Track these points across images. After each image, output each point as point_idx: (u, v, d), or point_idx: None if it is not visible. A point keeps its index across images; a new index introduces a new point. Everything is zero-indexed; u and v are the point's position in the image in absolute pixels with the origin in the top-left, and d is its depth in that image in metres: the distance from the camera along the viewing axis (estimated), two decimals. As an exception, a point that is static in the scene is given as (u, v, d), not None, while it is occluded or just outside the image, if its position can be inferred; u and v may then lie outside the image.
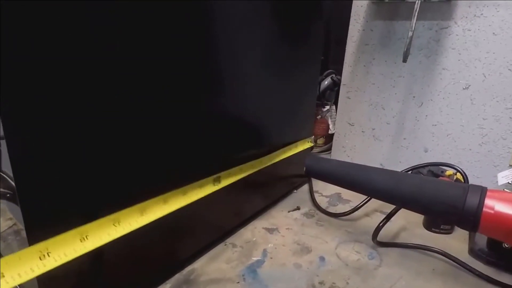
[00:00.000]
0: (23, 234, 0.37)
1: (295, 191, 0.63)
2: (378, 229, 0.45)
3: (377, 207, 0.57)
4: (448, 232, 0.50)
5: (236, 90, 0.39)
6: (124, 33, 0.26)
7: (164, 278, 0.37)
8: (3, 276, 0.21)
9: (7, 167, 0.39)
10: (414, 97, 0.60)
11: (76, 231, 0.24)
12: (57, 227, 0.24)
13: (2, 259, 0.21)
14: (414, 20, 0.47)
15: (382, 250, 0.45)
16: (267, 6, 0.41)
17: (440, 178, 0.49)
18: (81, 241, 0.24)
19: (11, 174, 0.28)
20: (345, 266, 0.42)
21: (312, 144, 0.60)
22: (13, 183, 0.39)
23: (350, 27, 0.65)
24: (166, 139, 0.31)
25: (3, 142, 0.23)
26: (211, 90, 0.36)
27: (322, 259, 0.43)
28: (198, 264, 0.40)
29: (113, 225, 0.26)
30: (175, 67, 0.30)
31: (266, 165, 0.45)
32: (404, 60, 0.48)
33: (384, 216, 0.48)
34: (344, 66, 0.67)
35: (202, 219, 0.41)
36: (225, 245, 0.45)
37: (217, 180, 0.37)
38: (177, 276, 0.38)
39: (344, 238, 0.48)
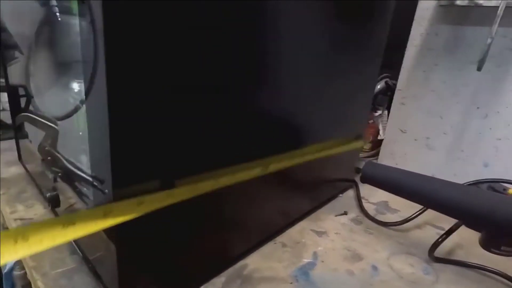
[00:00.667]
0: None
1: (341, 195, 0.62)
2: (436, 243, 0.43)
3: (428, 220, 0.54)
4: (509, 254, 0.47)
5: (291, 84, 0.39)
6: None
7: (220, 271, 0.38)
8: (27, 240, 0.22)
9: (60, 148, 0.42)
10: (478, 108, 0.57)
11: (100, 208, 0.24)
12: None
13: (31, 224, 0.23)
14: (496, 26, 0.44)
15: (438, 266, 0.43)
16: (331, 5, 0.40)
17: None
18: (104, 216, 0.24)
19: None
20: (399, 279, 0.40)
21: (363, 144, 0.58)
22: (66, 163, 0.41)
23: (413, 30, 0.62)
24: (224, 125, 0.32)
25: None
26: (267, 84, 0.36)
27: (374, 268, 0.42)
28: (250, 260, 0.40)
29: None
30: (238, 61, 0.31)
31: (315, 156, 0.44)
32: (479, 69, 0.45)
33: (436, 229, 0.46)
34: (401, 71, 0.64)
35: (252, 215, 0.41)
36: (275, 243, 0.45)
37: (265, 166, 0.36)
38: (231, 270, 0.38)
39: (396, 249, 0.46)
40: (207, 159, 0.31)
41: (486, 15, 0.47)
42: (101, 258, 0.34)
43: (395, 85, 0.67)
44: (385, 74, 0.72)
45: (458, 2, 0.54)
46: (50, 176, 0.44)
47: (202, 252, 0.35)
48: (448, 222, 0.47)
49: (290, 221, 0.49)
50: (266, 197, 0.42)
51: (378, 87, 0.70)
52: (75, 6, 0.44)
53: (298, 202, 0.50)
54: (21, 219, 0.45)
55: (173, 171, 0.28)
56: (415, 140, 0.65)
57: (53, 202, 0.42)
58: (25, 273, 1.09)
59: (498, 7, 0.45)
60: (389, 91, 0.71)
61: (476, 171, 0.58)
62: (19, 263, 1.05)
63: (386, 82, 0.71)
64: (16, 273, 1.07)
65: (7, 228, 0.52)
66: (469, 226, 0.41)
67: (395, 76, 0.66)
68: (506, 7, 0.50)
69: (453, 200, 0.36)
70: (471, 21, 0.55)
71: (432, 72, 0.61)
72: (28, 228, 0.22)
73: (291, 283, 0.37)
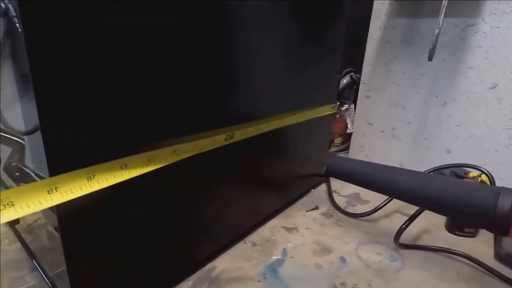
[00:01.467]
0: (49, 228, 0.38)
1: (313, 190, 0.63)
2: (400, 230, 0.44)
3: (397, 208, 0.56)
4: (472, 235, 0.49)
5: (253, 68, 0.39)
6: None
7: (186, 275, 0.37)
8: (13, 205, 0.22)
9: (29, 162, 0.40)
10: (437, 96, 0.59)
11: (84, 171, 0.25)
12: (68, 165, 0.24)
13: (13, 189, 0.22)
14: (442, 17, 0.46)
15: (404, 252, 0.45)
16: (288, 5, 0.41)
17: (465, 180, 0.47)
18: (87, 180, 0.25)
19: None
20: (367, 268, 0.41)
21: (334, 111, 0.58)
22: (34, 176, 0.40)
23: (371, 24, 0.63)
24: (182, 92, 0.31)
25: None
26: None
27: (343, 260, 0.42)
28: (218, 262, 0.40)
29: (120, 168, 0.27)
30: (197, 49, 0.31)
31: (282, 125, 0.44)
32: (430, 59, 0.47)
33: (404, 217, 0.47)
34: (364, 64, 0.66)
35: (221, 217, 0.41)
36: (245, 243, 0.45)
37: (230, 136, 0.36)
38: (199, 273, 0.38)
39: (365, 239, 0.47)
40: (167, 127, 0.31)
41: (437, 7, 0.49)
42: (60, 274, 0.33)
43: (359, 78, 0.68)
44: (349, 69, 0.73)
45: (410, -4, 0.56)
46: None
47: (167, 255, 0.35)
48: (416, 208, 0.48)
49: (261, 219, 0.49)
50: (236, 192, 0.42)
51: (344, 81, 0.72)
52: None
53: (269, 199, 0.51)
54: (-22, 240, 0.43)
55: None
56: (382, 131, 0.67)
57: (13, 220, 0.40)
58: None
59: (445, -1, 0.47)
60: (355, 85, 0.73)
61: (439, 157, 0.60)
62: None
63: (351, 76, 0.72)
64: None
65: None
66: (432, 210, 0.42)
67: (359, 70, 0.68)
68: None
69: (410, 188, 0.37)
70: (424, 13, 0.57)
71: (392, 64, 0.62)
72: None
73: (259, 281, 0.37)
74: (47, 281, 0.35)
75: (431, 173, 0.53)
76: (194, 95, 0.32)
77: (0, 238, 0.43)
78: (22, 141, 0.50)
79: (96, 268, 0.29)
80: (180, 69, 0.30)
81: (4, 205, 0.22)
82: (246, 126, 0.38)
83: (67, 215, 0.25)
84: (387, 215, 0.54)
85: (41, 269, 0.37)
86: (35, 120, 0.42)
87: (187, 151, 0.31)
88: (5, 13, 0.51)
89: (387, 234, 0.48)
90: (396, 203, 0.53)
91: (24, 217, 0.40)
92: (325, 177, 0.65)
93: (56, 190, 0.23)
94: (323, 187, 0.65)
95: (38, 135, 0.37)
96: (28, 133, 0.50)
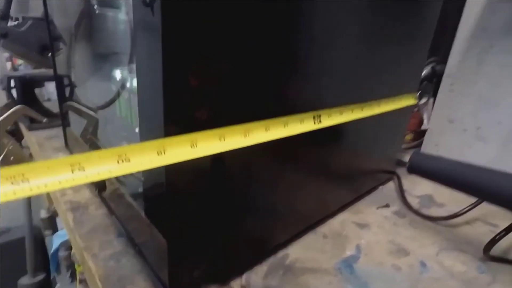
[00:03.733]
0: (128, 198, 0.40)
1: (381, 187, 0.59)
2: (493, 241, 0.40)
3: (479, 216, 0.51)
4: None
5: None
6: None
7: (261, 259, 0.37)
8: (129, 161, 0.22)
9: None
10: (541, 94, 0.51)
11: (187, 137, 0.24)
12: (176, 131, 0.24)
13: (129, 146, 0.23)
14: None
15: (493, 265, 0.40)
16: None
17: None
18: (191, 147, 0.25)
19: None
20: (451, 277, 0.38)
21: (416, 101, 0.54)
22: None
23: (466, 8, 0.57)
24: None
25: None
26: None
27: (423, 264, 0.39)
28: (291, 250, 0.40)
29: (219, 139, 0.26)
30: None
31: (366, 115, 0.42)
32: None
33: (488, 226, 0.42)
34: (451, 54, 0.60)
35: (293, 204, 0.40)
36: (316, 234, 0.43)
37: (318, 119, 0.34)
38: (272, 259, 0.38)
39: (445, 245, 0.44)
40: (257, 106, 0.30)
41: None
42: (147, 243, 0.34)
43: (442, 70, 0.62)
44: (431, 59, 0.67)
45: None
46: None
47: (245, 238, 0.35)
48: (502, 218, 0.43)
49: (331, 212, 0.47)
50: (307, 180, 0.40)
51: (424, 73, 0.66)
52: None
53: (339, 192, 0.49)
54: (70, 202, 0.47)
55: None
56: (464, 130, 0.61)
57: (100, 187, 0.43)
58: (69, 254, 1.17)
59: None
60: (435, 77, 0.66)
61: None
62: (64, 244, 1.13)
63: (432, 68, 0.66)
64: (61, 254, 1.15)
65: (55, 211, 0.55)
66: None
67: (442, 60, 0.62)
68: None
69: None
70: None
71: (487, 55, 0.55)
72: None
73: (335, 275, 0.36)
74: (134, 249, 0.37)
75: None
76: (288, 78, 0.31)
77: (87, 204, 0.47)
78: (95, 115, 0.53)
79: (188, 250, 0.30)
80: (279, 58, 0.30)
81: (122, 160, 0.22)
82: (332, 112, 0.36)
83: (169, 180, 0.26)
84: (468, 222, 0.49)
85: (127, 235, 0.39)
86: (106, 97, 0.44)
87: (278, 132, 0.30)
88: None
89: (470, 242, 0.44)
90: (478, 210, 0.48)
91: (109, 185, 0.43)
92: (394, 174, 0.61)
93: (164, 153, 0.24)
94: (391, 184, 0.61)
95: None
96: (101, 107, 0.53)
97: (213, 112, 0.27)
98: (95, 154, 0.22)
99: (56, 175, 0.21)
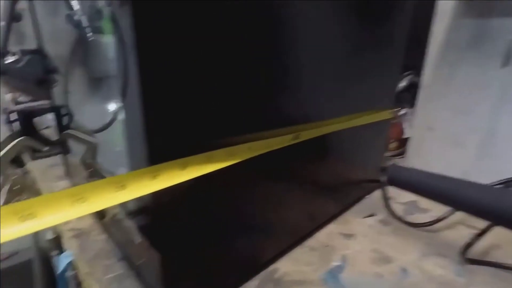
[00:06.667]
0: (127, 222, 0.42)
1: (367, 196, 0.62)
2: (469, 244, 0.43)
3: (460, 220, 0.53)
4: (550, 254, 0.45)
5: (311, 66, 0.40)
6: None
7: (252, 275, 0.40)
8: (125, 188, 0.24)
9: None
10: (509, 102, 0.55)
11: (179, 161, 0.27)
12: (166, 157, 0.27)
13: (125, 175, 0.24)
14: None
15: (471, 267, 0.43)
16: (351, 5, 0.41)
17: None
18: (181, 170, 0.26)
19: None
20: (430, 281, 0.40)
21: (391, 116, 0.57)
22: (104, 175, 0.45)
23: (435, 25, 0.61)
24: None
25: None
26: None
27: (404, 270, 0.42)
28: (280, 265, 0.43)
29: (207, 160, 0.29)
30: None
31: (343, 127, 0.45)
32: (506, 64, 0.44)
33: (468, 229, 0.45)
34: (426, 67, 0.63)
35: (282, 220, 0.43)
36: (303, 248, 0.46)
37: (296, 136, 0.38)
38: (263, 274, 0.41)
39: (425, 250, 0.46)
40: (240, 125, 0.33)
41: (511, 7, 0.45)
42: (145, 264, 0.37)
43: (418, 82, 0.66)
44: (408, 72, 0.70)
45: (482, -5, 0.52)
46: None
47: (236, 254, 0.38)
48: (483, 221, 0.46)
49: (318, 224, 0.50)
50: (295, 195, 0.43)
51: (403, 84, 0.70)
52: (107, 25, 0.48)
53: (325, 204, 0.52)
54: (73, 229, 0.50)
55: (208, 134, 0.30)
56: (443, 137, 0.64)
57: (100, 215, 0.46)
58: (77, 273, 1.18)
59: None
60: (413, 88, 0.70)
61: (510, 168, 0.56)
62: (70, 265, 1.15)
63: (410, 80, 0.70)
64: (68, 274, 1.17)
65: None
66: (505, 227, 0.40)
67: (418, 73, 0.65)
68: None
69: (486, 205, 0.36)
70: (496, 13, 0.53)
71: (458, 68, 0.59)
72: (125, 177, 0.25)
73: (321, 286, 0.39)
74: (135, 271, 0.40)
75: (499, 185, 0.50)
76: (264, 93, 0.34)
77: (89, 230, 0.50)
78: (94, 141, 0.56)
79: (170, 265, 0.32)
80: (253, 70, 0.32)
81: (120, 186, 0.25)
82: (310, 127, 0.39)
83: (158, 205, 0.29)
84: (449, 227, 0.52)
85: (127, 259, 0.42)
86: (104, 119, 0.47)
87: (260, 148, 0.34)
88: (78, 24, 0.58)
89: (450, 246, 0.47)
90: (459, 214, 0.51)
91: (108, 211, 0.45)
92: (380, 182, 0.64)
93: (158, 177, 0.26)
94: (377, 193, 0.64)
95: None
96: (98, 131, 0.56)
97: (197, 143, 0.29)
98: (94, 184, 0.24)
99: (60, 211, 0.23)
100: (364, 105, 0.51)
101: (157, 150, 0.27)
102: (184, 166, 0.28)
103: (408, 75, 0.70)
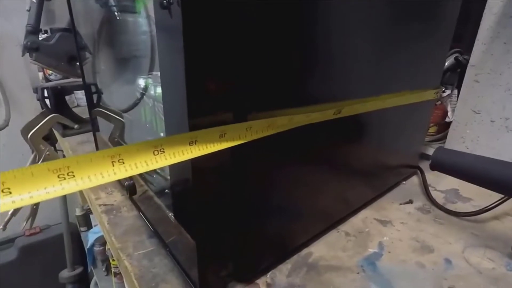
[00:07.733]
0: (157, 200, 0.42)
1: (404, 182, 0.59)
2: (522, 237, 0.39)
3: (509, 210, 0.49)
4: None
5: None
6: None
7: (285, 257, 0.39)
8: (164, 152, 0.22)
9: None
10: None
11: (217, 129, 0.25)
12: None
13: (163, 138, 0.23)
14: None
15: (523, 262, 0.39)
16: None
17: None
18: (219, 137, 0.25)
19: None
20: (478, 274, 0.37)
21: (437, 97, 0.53)
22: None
23: (490, -4, 0.54)
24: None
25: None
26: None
27: (448, 261, 0.39)
28: (314, 249, 0.41)
29: (246, 129, 0.27)
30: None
31: (385, 106, 0.42)
32: None
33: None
34: (475, 44, 0.57)
35: (315, 203, 0.41)
36: (338, 232, 0.44)
37: (338, 112, 0.35)
38: (296, 258, 0.39)
39: (471, 241, 0.43)
40: (280, 96, 0.31)
41: None
42: (177, 243, 0.37)
43: (466, 60, 0.60)
44: (454, 49, 0.64)
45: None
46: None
47: (269, 237, 0.36)
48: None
49: (353, 209, 0.48)
50: (329, 178, 0.41)
51: (447, 63, 0.64)
52: (139, 5, 0.46)
53: (361, 189, 0.49)
54: (104, 205, 0.50)
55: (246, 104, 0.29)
56: (492, 121, 0.58)
57: (131, 191, 0.46)
58: (104, 249, 1.24)
59: None
60: (459, 67, 0.64)
61: None
62: (98, 240, 1.19)
63: (456, 58, 0.64)
64: (96, 249, 1.23)
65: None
66: None
67: (466, 50, 0.59)
68: None
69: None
70: None
71: (515, 44, 0.53)
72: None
73: (358, 273, 0.37)
74: (165, 249, 0.39)
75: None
76: (308, 66, 0.32)
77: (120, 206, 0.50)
78: (122, 119, 0.56)
79: (208, 248, 0.31)
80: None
81: (157, 151, 0.23)
82: (351, 103, 0.36)
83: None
84: (496, 217, 0.48)
85: (157, 236, 0.42)
86: (130, 100, 0.46)
87: (301, 121, 0.31)
88: (105, 3, 0.57)
89: (498, 238, 0.43)
90: (508, 204, 0.47)
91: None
92: (418, 168, 0.60)
93: (195, 143, 0.25)
94: (414, 179, 0.60)
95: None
96: (125, 110, 0.55)
97: (236, 112, 0.28)
98: (133, 146, 0.23)
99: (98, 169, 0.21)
100: (408, 83, 0.47)
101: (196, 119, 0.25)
102: (222, 134, 0.26)
103: (455, 52, 0.64)
